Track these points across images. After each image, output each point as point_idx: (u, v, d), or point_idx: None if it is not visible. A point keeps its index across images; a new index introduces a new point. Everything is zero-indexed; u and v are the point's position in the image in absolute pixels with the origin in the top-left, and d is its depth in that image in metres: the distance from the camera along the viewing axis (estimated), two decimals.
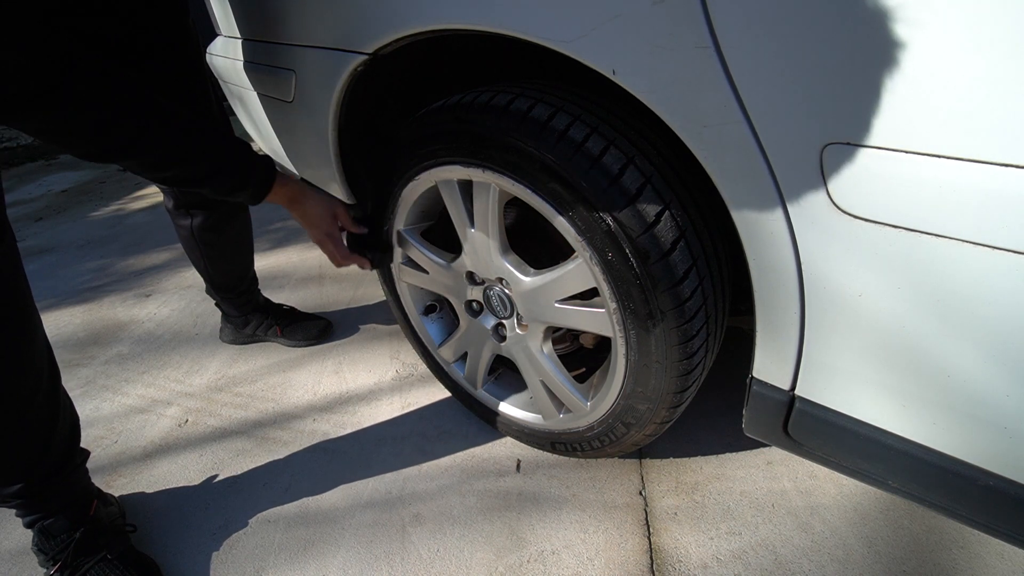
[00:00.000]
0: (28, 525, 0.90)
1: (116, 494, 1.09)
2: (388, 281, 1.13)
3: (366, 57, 0.80)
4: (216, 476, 1.12)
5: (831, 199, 0.49)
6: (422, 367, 1.35)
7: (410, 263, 1.04)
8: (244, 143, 0.87)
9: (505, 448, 1.10)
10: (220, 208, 1.26)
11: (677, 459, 1.03)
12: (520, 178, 0.71)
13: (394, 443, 1.14)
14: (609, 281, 0.70)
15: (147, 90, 0.73)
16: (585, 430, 0.92)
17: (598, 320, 0.77)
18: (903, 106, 0.42)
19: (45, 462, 0.86)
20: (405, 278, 1.08)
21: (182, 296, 1.85)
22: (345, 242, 1.03)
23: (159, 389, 1.40)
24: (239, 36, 1.15)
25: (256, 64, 1.10)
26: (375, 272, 1.18)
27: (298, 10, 0.90)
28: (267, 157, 0.89)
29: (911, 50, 0.41)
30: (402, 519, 0.98)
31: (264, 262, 1.99)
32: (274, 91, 1.08)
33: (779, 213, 0.53)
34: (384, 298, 1.19)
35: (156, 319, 1.73)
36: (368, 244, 1.05)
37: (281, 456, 1.14)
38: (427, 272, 1.01)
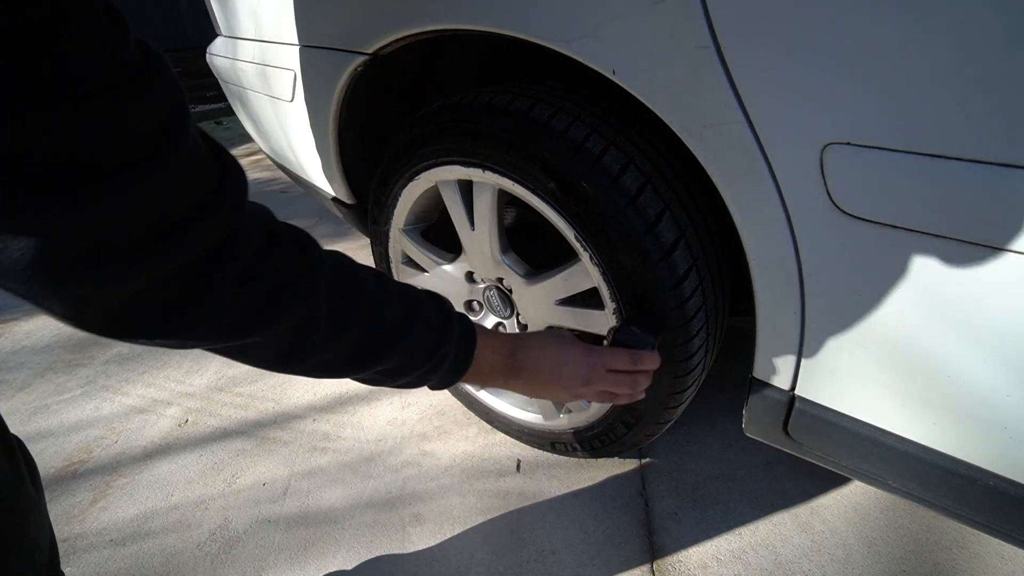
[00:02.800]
0: None
1: (116, 494, 1.09)
2: None
3: (366, 57, 0.81)
4: (216, 476, 1.11)
5: (831, 199, 0.49)
6: None
7: (410, 263, 1.04)
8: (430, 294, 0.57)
9: (505, 448, 1.10)
10: None
11: (677, 459, 1.03)
12: (520, 178, 0.71)
13: (394, 443, 1.14)
14: (609, 281, 0.70)
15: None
16: (585, 430, 0.92)
17: (598, 321, 0.77)
18: (903, 106, 0.42)
19: None
20: (405, 278, 1.08)
21: None
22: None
23: (159, 389, 1.40)
24: (239, 36, 1.15)
25: (256, 64, 1.10)
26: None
27: (298, 10, 0.90)
28: (462, 317, 0.59)
29: (911, 49, 0.41)
30: (402, 519, 0.98)
31: None
32: (274, 91, 1.08)
33: (779, 213, 0.53)
34: None
35: None
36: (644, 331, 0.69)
37: (281, 456, 1.14)
38: (427, 272, 1.01)
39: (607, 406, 0.85)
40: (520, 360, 0.64)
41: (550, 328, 0.89)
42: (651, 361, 0.67)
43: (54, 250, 0.28)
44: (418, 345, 0.52)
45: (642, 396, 0.70)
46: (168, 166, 0.31)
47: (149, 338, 0.36)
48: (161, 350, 1.56)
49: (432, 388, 0.59)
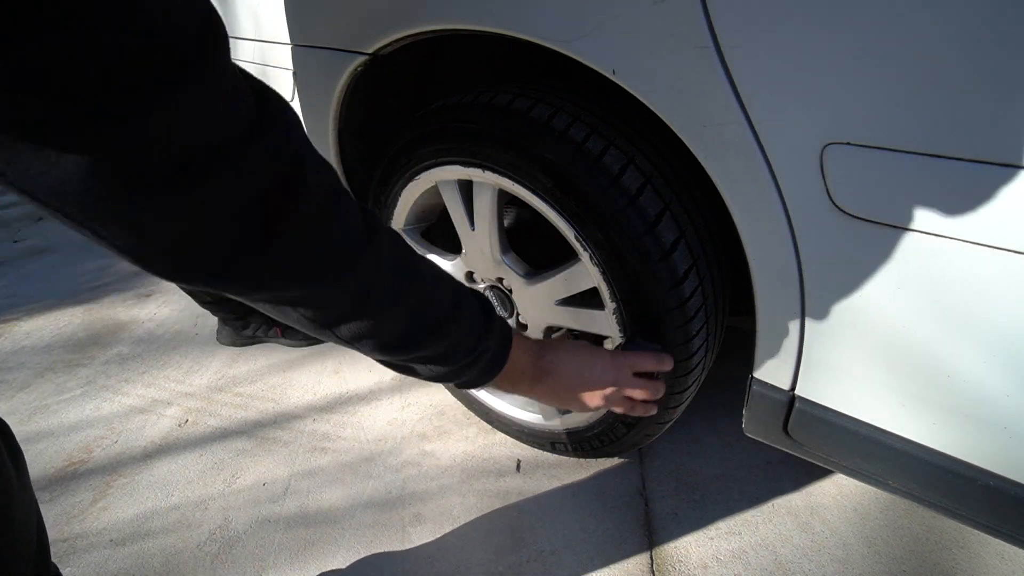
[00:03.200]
0: None
1: (116, 494, 1.09)
2: None
3: (366, 57, 0.81)
4: (216, 476, 1.11)
5: (831, 199, 0.49)
6: None
7: None
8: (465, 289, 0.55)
9: (505, 448, 1.10)
10: None
11: (677, 459, 1.03)
12: (520, 178, 0.71)
13: (394, 443, 1.14)
14: (609, 281, 0.70)
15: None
16: (585, 430, 0.92)
17: (598, 320, 0.77)
18: (903, 106, 0.42)
19: None
20: None
21: (182, 296, 1.85)
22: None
23: (159, 389, 1.40)
24: (239, 36, 1.15)
25: (256, 64, 1.10)
26: None
27: (298, 10, 0.90)
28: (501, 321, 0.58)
29: (911, 49, 0.41)
30: (402, 519, 0.98)
31: None
32: None
33: (779, 213, 0.53)
34: None
35: (156, 319, 1.73)
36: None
37: (281, 456, 1.14)
38: None
39: None
40: (547, 362, 0.63)
41: (549, 329, 0.89)
42: (670, 361, 0.70)
43: (104, 166, 0.28)
44: (462, 336, 0.52)
45: (654, 411, 0.71)
46: (205, 82, 0.30)
47: (211, 278, 0.36)
48: (161, 350, 1.56)
49: (461, 386, 0.58)
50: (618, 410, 0.68)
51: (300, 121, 0.38)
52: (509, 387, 0.61)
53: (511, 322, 0.93)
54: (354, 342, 0.47)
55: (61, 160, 0.27)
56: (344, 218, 0.40)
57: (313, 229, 0.38)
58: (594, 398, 0.65)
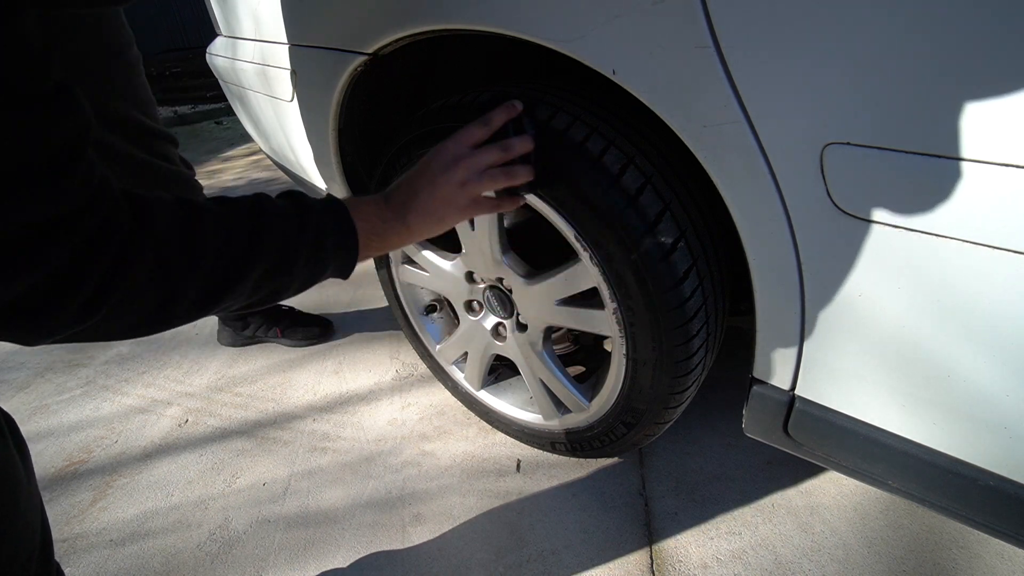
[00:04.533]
0: None
1: (116, 494, 1.09)
2: (388, 281, 1.13)
3: (366, 57, 0.81)
4: (216, 476, 1.12)
5: (831, 199, 0.49)
6: (422, 367, 1.35)
7: (410, 263, 1.04)
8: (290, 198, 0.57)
9: (505, 448, 1.10)
10: None
11: (677, 459, 1.03)
12: None
13: (394, 443, 1.14)
14: (609, 281, 0.70)
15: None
16: (585, 430, 0.92)
17: (598, 320, 0.77)
18: (903, 106, 0.42)
19: None
20: (405, 278, 1.08)
21: None
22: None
23: (159, 389, 1.40)
24: (239, 36, 1.15)
25: (256, 64, 1.10)
26: (375, 272, 1.17)
27: (299, 10, 0.90)
28: (331, 201, 0.58)
29: (911, 49, 0.41)
30: (402, 519, 0.98)
31: None
32: (274, 91, 1.08)
33: (779, 213, 0.53)
34: (384, 299, 1.19)
35: None
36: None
37: (281, 456, 1.14)
38: (427, 272, 1.01)
39: (607, 407, 0.85)
40: (397, 195, 0.62)
41: (549, 329, 0.89)
42: (522, 145, 0.65)
43: None
44: (278, 239, 0.52)
45: (530, 176, 0.66)
46: (54, 184, 0.36)
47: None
48: (160, 350, 1.56)
49: (339, 273, 0.58)
50: (498, 184, 0.64)
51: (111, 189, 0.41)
52: (383, 244, 0.61)
53: (510, 322, 0.93)
54: (187, 316, 0.48)
55: None
56: (117, 237, 0.42)
57: (115, 275, 0.41)
58: (456, 189, 0.62)
